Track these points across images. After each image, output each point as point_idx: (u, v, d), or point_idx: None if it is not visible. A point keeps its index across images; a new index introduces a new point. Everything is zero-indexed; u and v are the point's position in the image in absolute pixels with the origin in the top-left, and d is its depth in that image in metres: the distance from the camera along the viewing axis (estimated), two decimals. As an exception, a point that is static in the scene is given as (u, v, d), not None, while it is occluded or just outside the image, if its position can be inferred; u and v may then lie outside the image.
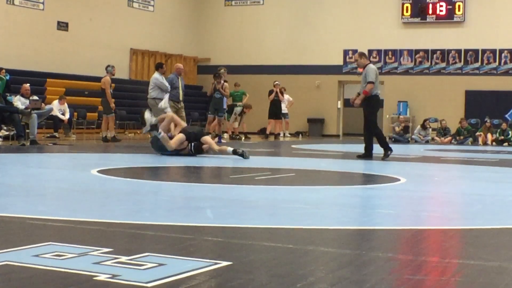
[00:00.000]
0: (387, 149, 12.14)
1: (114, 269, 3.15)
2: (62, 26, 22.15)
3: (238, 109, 21.42)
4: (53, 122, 18.26)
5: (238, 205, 5.72)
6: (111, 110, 16.84)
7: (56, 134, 18.03)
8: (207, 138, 11.77)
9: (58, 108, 18.49)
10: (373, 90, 11.94)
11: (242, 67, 26.36)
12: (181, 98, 15.56)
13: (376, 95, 12.15)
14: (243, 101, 21.55)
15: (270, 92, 22.63)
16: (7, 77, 16.13)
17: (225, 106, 18.31)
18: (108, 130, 16.95)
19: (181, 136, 11.46)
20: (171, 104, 15.25)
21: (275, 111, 22.53)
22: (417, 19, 25.21)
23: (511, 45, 24.30)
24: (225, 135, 22.30)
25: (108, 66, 17.45)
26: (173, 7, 26.90)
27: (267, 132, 22.78)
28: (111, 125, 17.00)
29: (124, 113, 21.71)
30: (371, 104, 12.09)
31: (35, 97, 16.32)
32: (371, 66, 12.28)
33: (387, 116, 25.62)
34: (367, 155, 12.18)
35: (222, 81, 17.90)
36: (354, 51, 25.94)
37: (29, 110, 14.90)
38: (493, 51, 24.47)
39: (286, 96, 23.92)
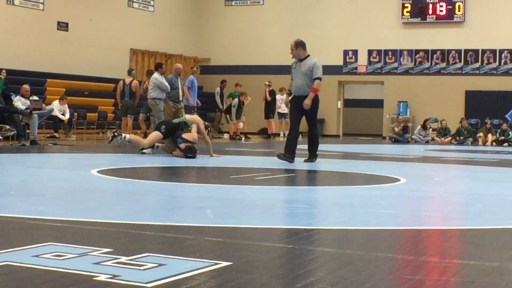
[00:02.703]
0: (314, 155, 11.10)
1: (114, 269, 3.15)
2: (62, 26, 22.15)
3: (235, 101, 21.45)
4: (53, 122, 18.26)
5: (238, 205, 5.72)
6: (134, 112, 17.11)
7: (56, 134, 18.04)
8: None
9: (58, 108, 18.49)
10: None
11: (242, 67, 26.36)
12: (180, 98, 15.55)
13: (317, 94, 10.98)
14: (245, 102, 21.58)
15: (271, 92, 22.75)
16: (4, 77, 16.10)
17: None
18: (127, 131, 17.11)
19: (155, 133, 11.60)
20: (171, 104, 15.25)
21: (267, 111, 22.69)
22: (417, 19, 25.21)
23: (511, 45, 24.30)
24: (225, 135, 22.32)
25: (132, 70, 17.67)
26: (173, 7, 26.90)
27: (269, 132, 22.91)
28: (130, 126, 17.25)
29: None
30: (316, 103, 10.98)
31: (36, 98, 16.33)
32: (316, 59, 11.01)
33: (387, 116, 25.63)
34: (314, 155, 11.10)
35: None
36: (354, 51, 25.99)
37: (29, 110, 14.90)
38: (493, 51, 24.47)
39: (286, 96, 23.91)
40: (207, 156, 11.54)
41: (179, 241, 3.96)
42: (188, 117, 12.21)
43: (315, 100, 10.88)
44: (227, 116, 21.96)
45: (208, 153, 11.60)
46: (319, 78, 10.74)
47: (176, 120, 12.09)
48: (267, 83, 22.95)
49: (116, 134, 11.90)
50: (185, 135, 11.37)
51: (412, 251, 3.91)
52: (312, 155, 11.05)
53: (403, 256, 3.71)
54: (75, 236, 4.07)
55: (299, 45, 10.90)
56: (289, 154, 10.67)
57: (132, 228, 4.38)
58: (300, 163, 11.08)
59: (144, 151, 11.67)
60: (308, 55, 10.91)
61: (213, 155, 11.57)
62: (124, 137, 11.74)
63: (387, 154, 15.35)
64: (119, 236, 4.11)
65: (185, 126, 11.72)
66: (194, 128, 11.57)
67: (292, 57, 10.96)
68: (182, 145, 11.19)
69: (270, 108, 22.84)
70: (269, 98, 22.84)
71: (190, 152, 11.07)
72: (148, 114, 17.99)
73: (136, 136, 11.88)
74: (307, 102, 10.61)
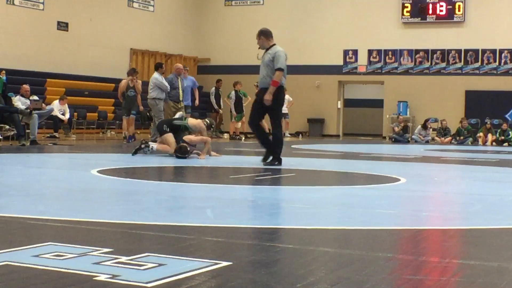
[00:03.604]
0: (274, 157, 9.96)
1: (114, 269, 3.15)
2: (62, 26, 22.15)
3: (232, 94, 21.42)
4: (53, 122, 18.26)
5: (238, 205, 5.72)
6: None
7: (56, 134, 18.04)
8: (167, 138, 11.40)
9: (59, 108, 18.49)
10: (282, 79, 9.88)
11: (242, 67, 26.36)
12: (181, 98, 15.55)
13: (281, 86, 9.96)
14: (244, 103, 21.53)
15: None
16: (4, 79, 16.06)
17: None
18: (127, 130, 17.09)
19: (168, 135, 11.45)
20: (171, 104, 15.24)
21: None
22: (417, 19, 25.21)
23: (511, 45, 24.30)
24: (225, 135, 22.31)
25: (137, 73, 17.62)
26: (173, 7, 26.90)
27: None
28: (133, 127, 17.16)
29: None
30: (279, 97, 9.97)
31: (36, 97, 16.32)
32: (280, 48, 10.08)
33: (387, 116, 25.63)
34: (277, 158, 9.95)
35: (136, 78, 16.99)
36: (354, 51, 25.99)
37: (29, 110, 14.90)
38: (493, 51, 24.47)
39: (286, 96, 23.89)
40: (207, 157, 11.52)
41: (179, 241, 3.96)
42: (191, 122, 12.10)
43: (278, 95, 9.89)
44: (232, 114, 21.78)
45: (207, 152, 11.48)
46: (280, 69, 9.76)
47: (177, 122, 11.97)
48: (255, 84, 22.88)
49: (143, 146, 11.49)
50: (186, 137, 11.33)
51: (412, 251, 3.91)
52: (274, 157, 9.93)
53: (403, 256, 3.71)
54: (75, 236, 4.07)
55: (261, 34, 10.14)
56: (270, 158, 9.90)
57: (132, 228, 4.38)
58: (300, 163, 11.08)
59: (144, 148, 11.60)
60: (273, 45, 10.06)
61: (212, 154, 11.50)
62: (152, 148, 11.54)
63: (387, 154, 15.35)
64: (119, 236, 4.11)
65: (185, 130, 11.68)
66: (198, 138, 11.48)
67: (259, 47, 10.24)
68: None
69: None
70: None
71: (180, 152, 10.97)
72: (148, 114, 17.96)
73: (161, 145, 11.66)
74: (266, 97, 9.73)
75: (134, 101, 16.89)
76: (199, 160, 10.83)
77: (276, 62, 9.78)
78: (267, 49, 10.03)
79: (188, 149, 11.03)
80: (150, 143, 11.80)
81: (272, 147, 9.96)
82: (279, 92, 9.88)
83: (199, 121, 12.28)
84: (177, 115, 12.76)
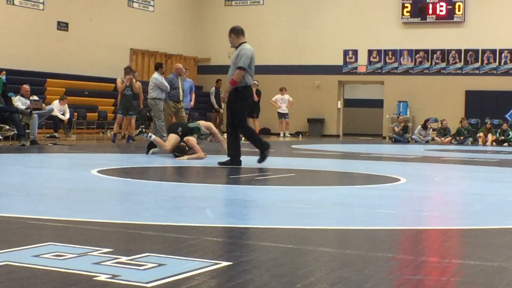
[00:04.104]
0: (264, 149, 9.72)
1: (114, 269, 3.15)
2: (62, 26, 22.15)
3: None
4: (53, 122, 18.26)
5: (238, 205, 5.72)
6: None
7: (56, 134, 18.03)
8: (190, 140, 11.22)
9: (59, 108, 18.49)
10: (246, 79, 9.52)
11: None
12: (181, 98, 15.53)
13: (248, 86, 9.65)
14: None
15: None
16: (4, 79, 16.02)
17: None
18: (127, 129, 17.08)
19: (174, 136, 11.39)
20: (171, 105, 15.23)
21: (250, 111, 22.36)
22: (417, 19, 25.21)
23: (511, 45, 24.30)
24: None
25: (135, 72, 17.50)
26: (173, 7, 26.90)
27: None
28: (133, 126, 17.11)
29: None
30: (241, 97, 9.57)
31: (36, 97, 16.32)
32: (247, 47, 9.69)
33: (387, 116, 25.63)
34: (234, 160, 9.65)
35: (133, 77, 16.75)
36: (354, 51, 25.99)
37: (29, 110, 14.90)
38: (493, 51, 24.47)
39: (286, 96, 23.95)
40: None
41: (179, 241, 3.96)
42: (202, 123, 12.08)
43: (243, 95, 9.57)
44: None
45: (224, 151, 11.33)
46: (241, 68, 9.40)
47: (191, 125, 11.94)
48: (255, 82, 22.87)
49: (143, 130, 11.79)
50: (186, 139, 11.29)
51: (412, 251, 3.91)
52: (261, 155, 9.73)
53: (403, 256, 3.71)
54: (75, 236, 4.07)
55: (231, 32, 9.78)
56: (233, 159, 9.59)
57: (132, 228, 4.38)
58: (300, 163, 11.08)
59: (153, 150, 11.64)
60: (242, 43, 9.69)
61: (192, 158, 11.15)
62: (150, 136, 11.61)
63: (387, 154, 15.35)
64: (119, 236, 4.11)
65: (197, 132, 11.64)
66: (194, 145, 11.41)
67: (231, 46, 9.97)
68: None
69: (253, 108, 22.53)
70: (256, 98, 22.73)
71: (179, 151, 10.96)
72: (148, 114, 17.96)
73: (159, 139, 11.73)
74: (223, 96, 9.56)
75: (131, 100, 16.84)
76: (207, 159, 10.89)
77: (238, 60, 9.48)
78: (237, 48, 9.72)
79: (187, 148, 11.04)
80: (150, 133, 11.93)
81: (261, 145, 9.70)
82: (247, 92, 9.65)
83: (210, 123, 12.32)
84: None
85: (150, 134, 11.74)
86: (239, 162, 9.62)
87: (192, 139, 11.26)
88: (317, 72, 26.22)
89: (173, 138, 11.37)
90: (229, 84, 9.53)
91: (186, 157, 11.00)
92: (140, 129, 11.89)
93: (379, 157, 14.20)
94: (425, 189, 7.60)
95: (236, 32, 9.76)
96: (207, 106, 24.14)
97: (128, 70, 17.03)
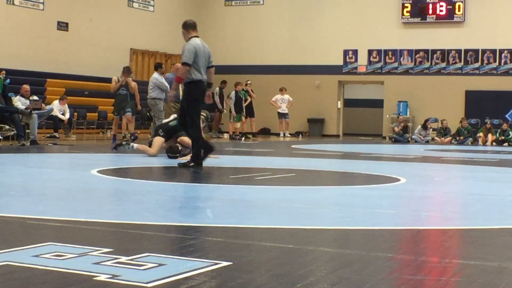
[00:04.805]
0: (196, 159, 9.24)
1: (114, 269, 3.15)
2: (62, 26, 22.15)
3: (232, 94, 21.36)
4: (53, 122, 18.26)
5: (238, 205, 5.72)
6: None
7: (56, 134, 18.04)
8: (184, 139, 11.07)
9: (59, 108, 18.49)
10: (192, 74, 9.13)
11: (242, 67, 26.36)
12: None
13: (200, 81, 9.20)
14: (244, 103, 21.53)
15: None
16: (8, 82, 15.97)
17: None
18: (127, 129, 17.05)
19: (158, 139, 11.29)
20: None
21: (249, 110, 22.29)
22: (417, 19, 25.21)
23: (511, 45, 24.30)
24: (225, 135, 22.31)
25: (131, 73, 17.34)
26: (173, 7, 26.90)
27: (244, 130, 22.12)
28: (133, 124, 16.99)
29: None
30: (191, 93, 9.24)
31: (35, 97, 16.32)
32: (193, 41, 9.28)
33: (387, 116, 25.63)
34: (196, 161, 9.24)
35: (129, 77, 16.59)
36: (354, 51, 25.99)
37: (29, 110, 14.90)
38: (493, 51, 24.47)
39: (286, 96, 23.95)
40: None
41: (179, 241, 3.96)
42: None
43: (193, 91, 9.24)
44: (230, 114, 21.72)
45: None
46: (184, 63, 9.12)
47: (171, 123, 11.81)
48: (249, 82, 22.88)
49: (124, 143, 11.80)
50: (180, 139, 11.20)
51: (412, 251, 3.91)
52: (191, 159, 9.38)
53: (403, 256, 3.71)
54: (75, 236, 4.07)
55: (182, 27, 9.51)
56: (195, 159, 9.29)
57: (132, 228, 4.38)
58: (300, 163, 11.08)
59: (124, 144, 11.74)
60: (191, 37, 9.36)
61: (209, 156, 11.25)
62: (132, 146, 11.63)
63: (387, 154, 15.35)
64: (119, 236, 4.11)
65: (181, 129, 11.56)
66: (154, 141, 11.32)
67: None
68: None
69: (248, 108, 22.49)
70: (253, 96, 22.73)
71: (171, 152, 10.91)
72: (148, 114, 17.93)
73: (143, 145, 11.72)
74: (169, 94, 9.11)
75: (125, 99, 16.75)
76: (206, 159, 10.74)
77: (182, 56, 9.26)
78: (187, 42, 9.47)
79: (180, 148, 10.99)
80: (132, 143, 11.96)
81: (198, 154, 9.33)
82: (194, 87, 9.20)
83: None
84: (171, 117, 12.59)
85: (132, 144, 11.75)
86: (211, 148, 9.45)
87: (183, 138, 11.16)
88: (317, 72, 26.22)
89: (157, 141, 11.29)
90: (175, 82, 9.42)
91: (212, 156, 10.98)
92: (120, 142, 11.86)
93: (379, 157, 14.20)
94: (425, 189, 7.60)
95: (186, 27, 9.48)
96: (206, 106, 24.08)
97: (125, 70, 16.92)
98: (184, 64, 9.17)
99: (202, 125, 11.81)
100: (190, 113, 9.26)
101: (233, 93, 21.48)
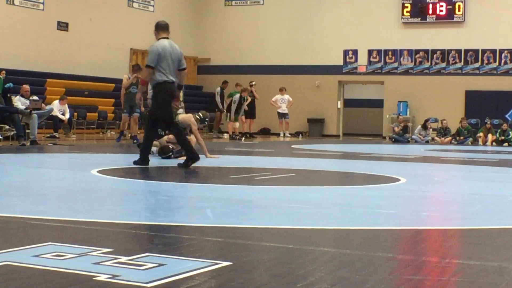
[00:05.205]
0: (190, 154, 9.26)
1: (114, 269, 3.15)
2: (62, 26, 22.15)
3: (236, 96, 21.32)
4: (53, 122, 18.25)
5: (238, 205, 5.72)
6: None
7: (56, 134, 18.03)
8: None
9: (59, 108, 18.49)
10: (158, 76, 9.05)
11: (242, 67, 26.36)
12: (181, 98, 15.53)
13: (165, 82, 9.12)
14: (245, 104, 21.52)
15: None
16: (11, 85, 15.90)
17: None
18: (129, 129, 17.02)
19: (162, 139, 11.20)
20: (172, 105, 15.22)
21: (250, 111, 22.25)
22: (417, 19, 25.21)
23: (511, 45, 24.30)
24: (225, 135, 22.30)
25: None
26: (173, 7, 26.90)
27: (244, 130, 22.12)
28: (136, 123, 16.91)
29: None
30: (157, 95, 9.24)
31: (35, 98, 16.31)
32: (159, 43, 9.20)
33: (387, 116, 25.63)
34: (191, 158, 9.29)
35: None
36: (354, 51, 25.99)
37: (29, 110, 14.90)
38: (493, 51, 24.47)
39: (286, 96, 23.95)
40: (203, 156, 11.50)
41: (179, 241, 3.96)
42: (181, 117, 11.87)
43: (158, 92, 9.20)
44: (228, 114, 21.74)
45: (204, 154, 11.23)
46: (147, 66, 9.13)
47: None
48: (254, 83, 22.89)
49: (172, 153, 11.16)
50: (168, 137, 11.04)
51: (412, 251, 3.91)
52: (186, 157, 9.43)
53: (403, 256, 3.71)
54: (75, 236, 4.07)
55: (154, 28, 9.43)
56: (141, 158, 9.32)
57: (132, 228, 4.38)
58: (300, 163, 11.08)
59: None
60: (160, 39, 9.27)
61: (208, 156, 11.10)
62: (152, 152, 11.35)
63: (387, 154, 15.35)
64: (119, 236, 4.11)
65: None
66: (192, 138, 11.18)
67: None
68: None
69: (252, 107, 22.45)
70: (257, 97, 22.73)
71: (163, 152, 10.82)
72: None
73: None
74: (136, 97, 9.16)
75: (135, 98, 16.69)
76: (206, 159, 10.68)
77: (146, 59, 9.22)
78: None
79: (171, 147, 10.91)
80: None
81: (145, 156, 9.37)
82: (159, 89, 9.15)
83: (189, 115, 11.81)
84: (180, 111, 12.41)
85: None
86: (195, 158, 9.26)
87: (171, 137, 10.97)
88: (317, 72, 26.22)
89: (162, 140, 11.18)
90: (140, 85, 9.36)
91: (211, 156, 10.91)
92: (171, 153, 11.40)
93: (379, 157, 14.20)
94: (425, 189, 7.60)
95: (156, 28, 9.40)
96: (207, 106, 24.12)
97: (136, 68, 16.88)
98: (146, 66, 9.16)
99: (198, 125, 11.71)
100: (160, 116, 9.23)
101: (237, 96, 21.40)
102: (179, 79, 9.39)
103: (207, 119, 12.41)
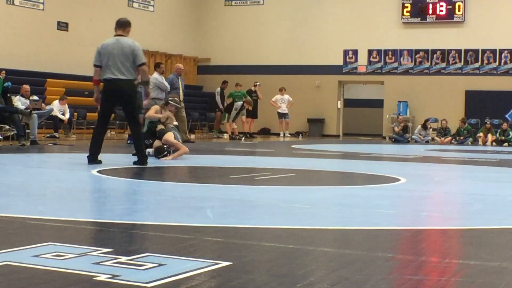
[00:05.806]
0: (142, 159, 9.29)
1: (114, 269, 3.15)
2: (62, 26, 22.15)
3: (238, 104, 21.33)
4: (53, 122, 18.25)
5: (238, 205, 5.72)
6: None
7: (56, 134, 18.03)
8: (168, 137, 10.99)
9: (59, 108, 18.49)
10: (102, 74, 9.25)
11: (242, 67, 26.36)
12: (181, 98, 15.54)
13: (105, 79, 9.25)
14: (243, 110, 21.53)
15: (249, 92, 22.29)
16: (9, 84, 15.91)
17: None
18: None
19: (170, 135, 11.08)
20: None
21: (252, 111, 22.22)
22: (417, 19, 25.21)
23: (511, 45, 24.30)
24: (225, 135, 22.30)
25: None
26: (173, 7, 26.90)
27: (245, 130, 22.08)
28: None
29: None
30: (102, 92, 9.41)
31: (35, 97, 16.31)
32: (105, 41, 9.55)
33: (387, 116, 25.63)
34: (142, 159, 9.33)
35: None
36: (354, 51, 25.99)
37: (29, 110, 14.90)
38: (493, 51, 24.47)
39: (286, 96, 23.96)
40: (199, 156, 11.51)
41: (179, 241, 3.96)
42: (149, 114, 11.68)
43: (102, 91, 9.28)
44: (226, 115, 21.74)
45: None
46: (94, 65, 9.34)
47: (146, 128, 11.59)
48: (258, 83, 22.90)
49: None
50: (164, 140, 11.02)
51: (412, 251, 3.91)
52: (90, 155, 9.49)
53: (403, 256, 3.71)
54: (75, 236, 4.07)
55: (116, 23, 9.55)
56: (139, 158, 9.33)
57: (132, 228, 4.38)
58: (300, 163, 11.08)
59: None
60: (114, 36, 9.43)
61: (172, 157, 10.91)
62: (148, 153, 11.32)
63: (387, 154, 15.35)
64: (119, 236, 4.11)
65: (156, 126, 11.39)
66: (174, 141, 11.12)
67: None
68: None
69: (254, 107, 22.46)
70: (261, 97, 22.74)
71: (158, 153, 10.80)
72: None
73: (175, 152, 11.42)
74: (94, 96, 9.34)
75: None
76: (206, 159, 10.70)
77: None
78: None
79: (166, 147, 10.91)
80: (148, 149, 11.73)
81: (95, 155, 9.42)
82: (103, 87, 9.28)
83: (155, 108, 11.82)
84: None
85: (147, 150, 11.51)
86: (142, 163, 9.20)
87: (168, 136, 11.03)
88: (317, 72, 26.22)
89: (169, 137, 11.16)
90: (94, 85, 9.47)
91: (170, 157, 10.80)
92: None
93: (379, 157, 14.20)
94: (425, 189, 7.60)
95: (117, 25, 9.55)
96: (207, 106, 24.12)
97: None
98: (94, 66, 9.32)
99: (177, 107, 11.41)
100: (100, 115, 9.35)
101: (239, 103, 21.30)
102: (141, 75, 9.37)
103: (175, 100, 12.27)
